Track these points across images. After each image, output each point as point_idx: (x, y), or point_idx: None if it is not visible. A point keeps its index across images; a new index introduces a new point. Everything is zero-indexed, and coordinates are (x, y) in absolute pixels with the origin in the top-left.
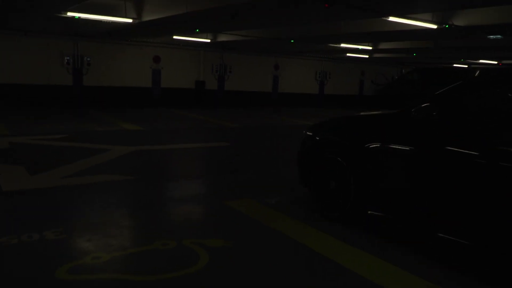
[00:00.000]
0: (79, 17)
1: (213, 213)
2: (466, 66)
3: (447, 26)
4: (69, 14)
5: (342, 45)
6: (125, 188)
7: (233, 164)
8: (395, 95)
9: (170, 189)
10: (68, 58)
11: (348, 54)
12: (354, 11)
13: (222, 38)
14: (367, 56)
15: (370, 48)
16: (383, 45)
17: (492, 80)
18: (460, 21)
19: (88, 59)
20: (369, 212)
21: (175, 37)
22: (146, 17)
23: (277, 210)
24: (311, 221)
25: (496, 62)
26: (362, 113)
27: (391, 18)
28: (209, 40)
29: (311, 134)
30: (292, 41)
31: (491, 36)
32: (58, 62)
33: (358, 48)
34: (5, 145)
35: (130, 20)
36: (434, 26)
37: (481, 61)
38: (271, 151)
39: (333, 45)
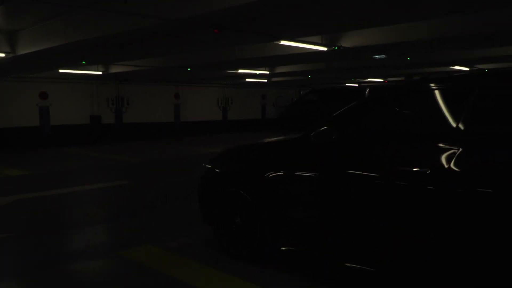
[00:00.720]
0: None
1: (104, 268)
2: (357, 85)
3: (335, 48)
4: None
5: (240, 70)
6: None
7: (131, 205)
8: (296, 116)
9: (53, 246)
10: None
11: (247, 80)
12: (245, 35)
13: (115, 69)
14: (266, 81)
15: (267, 72)
16: (279, 69)
17: (381, 98)
18: (347, 42)
19: None
20: (279, 247)
21: (61, 70)
22: (22, 51)
23: (179, 255)
24: (217, 262)
25: (382, 80)
26: (264, 140)
27: (283, 42)
28: (100, 72)
29: (210, 166)
30: (189, 69)
31: (376, 56)
32: None
33: (256, 73)
34: None
35: (2, 55)
36: (324, 49)
37: (369, 79)
38: (176, 186)
39: (230, 71)
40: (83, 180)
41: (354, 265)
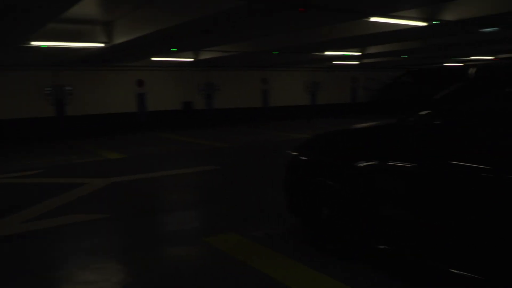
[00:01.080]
0: (47, 46)
1: (190, 255)
2: (461, 64)
3: (436, 22)
4: (34, 43)
5: (327, 53)
6: (94, 230)
7: (219, 191)
8: (389, 100)
9: (143, 228)
10: (48, 89)
11: (336, 62)
12: (332, 14)
13: (205, 55)
14: (356, 62)
15: (359, 53)
16: (371, 49)
17: (493, 78)
18: (450, 15)
19: (70, 88)
20: (371, 244)
21: (154, 58)
22: (117, 40)
23: (263, 245)
24: (303, 256)
25: (492, 57)
26: (355, 126)
27: (374, 19)
28: (192, 59)
29: (296, 154)
30: (275, 53)
31: (486, 29)
32: (38, 94)
33: (346, 55)
34: None
35: (101, 45)
36: (423, 24)
37: (474, 57)
38: (264, 173)
39: (318, 53)
40: (174, 164)
41: (461, 272)
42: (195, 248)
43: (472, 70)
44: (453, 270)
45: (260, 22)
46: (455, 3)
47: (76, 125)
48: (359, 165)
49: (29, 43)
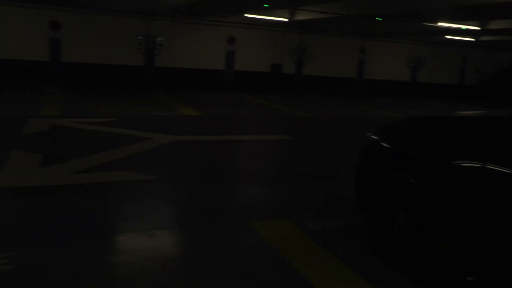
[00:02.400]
0: None
1: (232, 239)
2: None
3: None
4: None
5: (440, 24)
6: (140, 192)
7: (281, 167)
8: (506, 87)
9: (187, 198)
10: (140, 38)
11: (448, 37)
12: None
13: (301, 16)
14: (472, 39)
15: (477, 28)
16: (494, 24)
17: None
18: None
19: (161, 39)
20: (455, 272)
21: (247, 15)
22: None
23: (317, 242)
24: (365, 268)
25: None
26: (459, 113)
27: None
28: (286, 19)
29: (376, 138)
30: (379, 19)
31: None
32: (130, 42)
33: (461, 28)
34: (44, 128)
35: None
36: None
37: None
38: (340, 153)
39: (428, 23)
40: (248, 129)
41: None
42: (238, 233)
43: None
44: None
45: None
46: None
47: (163, 77)
48: (459, 164)
49: None
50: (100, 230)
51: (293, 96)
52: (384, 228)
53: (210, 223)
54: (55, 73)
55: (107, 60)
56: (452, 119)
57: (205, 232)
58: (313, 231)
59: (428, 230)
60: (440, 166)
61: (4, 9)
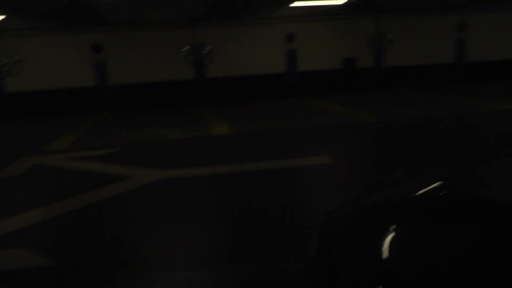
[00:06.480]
0: None
1: None
2: None
3: None
4: None
5: None
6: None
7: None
8: None
9: None
10: (186, 49)
11: None
12: None
13: None
14: None
15: None
16: None
17: None
18: None
19: (209, 47)
20: None
21: (296, 3)
22: None
23: None
24: None
25: None
26: None
27: None
28: None
29: None
30: None
31: None
32: (177, 55)
33: None
34: (20, 170)
35: None
36: None
37: None
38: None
39: None
40: (275, 150)
41: None
42: None
43: None
44: None
45: None
46: None
47: (215, 89)
48: None
49: None
50: None
51: (370, 94)
52: None
53: None
54: (103, 97)
55: (155, 77)
56: None
57: None
58: None
59: None
60: None
61: (44, 38)
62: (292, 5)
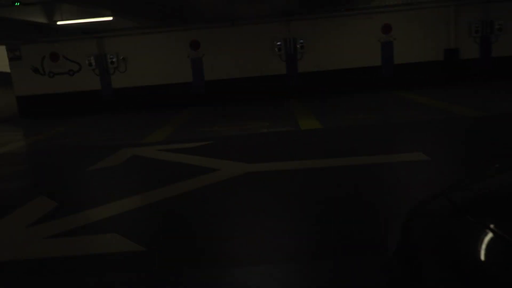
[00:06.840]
0: None
1: None
2: None
3: None
4: None
5: None
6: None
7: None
8: None
9: None
10: (279, 43)
11: None
12: None
13: None
14: None
15: None
16: None
17: None
18: None
19: (301, 41)
20: None
21: None
22: None
23: None
24: None
25: None
26: None
27: None
28: None
29: None
30: None
31: None
32: (269, 50)
33: None
34: (121, 160)
35: None
36: None
37: None
38: None
39: None
40: (366, 146)
41: None
42: None
43: None
44: None
45: None
46: None
47: (307, 84)
48: None
49: None
50: None
51: (474, 88)
52: None
53: None
54: (197, 92)
55: (247, 73)
56: None
57: None
58: None
59: None
60: None
61: (151, 36)
62: None
